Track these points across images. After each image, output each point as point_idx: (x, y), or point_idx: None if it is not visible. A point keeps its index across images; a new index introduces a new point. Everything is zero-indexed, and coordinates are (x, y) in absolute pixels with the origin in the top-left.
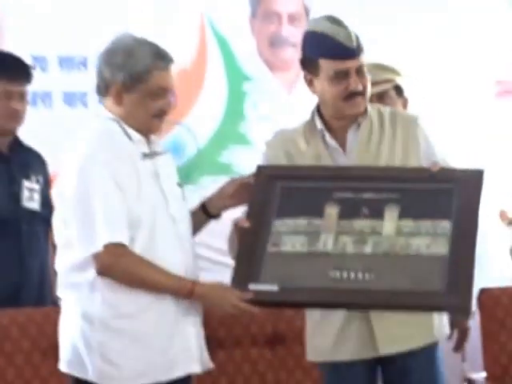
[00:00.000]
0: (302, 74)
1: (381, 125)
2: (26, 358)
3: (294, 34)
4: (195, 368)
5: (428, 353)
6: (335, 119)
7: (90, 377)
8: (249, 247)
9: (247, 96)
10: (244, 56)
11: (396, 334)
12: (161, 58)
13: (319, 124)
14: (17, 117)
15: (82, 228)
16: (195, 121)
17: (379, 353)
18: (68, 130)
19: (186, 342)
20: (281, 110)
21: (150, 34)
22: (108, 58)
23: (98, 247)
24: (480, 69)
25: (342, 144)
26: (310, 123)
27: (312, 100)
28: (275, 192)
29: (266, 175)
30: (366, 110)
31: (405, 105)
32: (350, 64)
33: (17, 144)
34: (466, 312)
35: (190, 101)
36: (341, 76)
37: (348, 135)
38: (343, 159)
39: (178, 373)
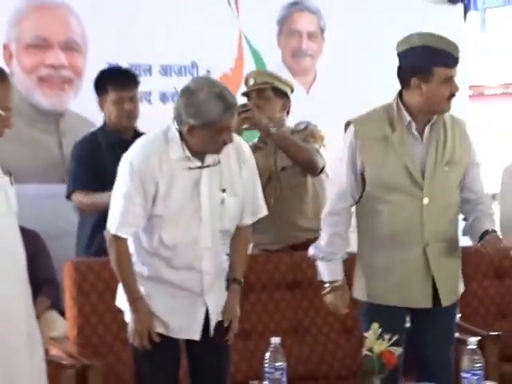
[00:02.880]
0: (317, 77)
1: (444, 120)
2: (100, 297)
3: (312, 48)
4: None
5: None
6: (424, 114)
7: None
8: None
9: None
10: (272, 64)
11: (452, 289)
12: (228, 109)
13: (408, 116)
14: (130, 116)
15: (110, 212)
16: None
17: (442, 305)
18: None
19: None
20: (301, 105)
21: (202, 48)
22: (185, 104)
23: (109, 231)
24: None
25: (420, 134)
26: (394, 113)
27: (324, 98)
28: None
29: None
30: None
31: (284, 106)
32: (454, 72)
33: (137, 134)
34: None
35: None
36: (449, 81)
37: (426, 128)
38: (420, 147)
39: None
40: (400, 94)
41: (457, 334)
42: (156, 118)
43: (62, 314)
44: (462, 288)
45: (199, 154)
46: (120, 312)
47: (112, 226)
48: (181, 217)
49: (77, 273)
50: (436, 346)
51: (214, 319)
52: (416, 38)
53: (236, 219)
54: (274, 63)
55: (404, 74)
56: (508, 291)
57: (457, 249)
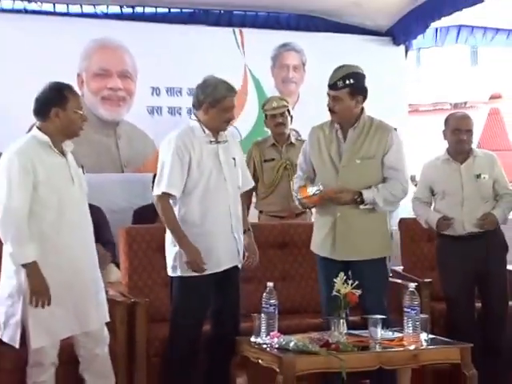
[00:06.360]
0: (299, 98)
1: (368, 127)
2: (144, 253)
3: (296, 77)
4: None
5: (380, 262)
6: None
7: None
8: None
9: None
10: (268, 88)
11: (352, 248)
12: (230, 90)
13: (336, 125)
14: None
15: (157, 180)
16: (240, 123)
17: (340, 258)
18: (171, 128)
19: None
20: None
21: (218, 76)
22: (202, 88)
23: (159, 192)
24: (397, 95)
25: (344, 137)
26: (329, 124)
27: (305, 114)
28: None
29: None
30: (356, 120)
31: (291, 119)
32: (331, 92)
33: None
34: None
35: (237, 112)
36: (329, 98)
37: (349, 132)
38: (343, 145)
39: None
40: None
41: (400, 281)
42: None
43: (118, 265)
44: (380, 251)
45: (214, 134)
46: (164, 269)
47: (161, 187)
48: (211, 178)
49: (128, 236)
50: (369, 291)
51: (241, 250)
52: None
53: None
54: (269, 88)
55: None
56: None
57: (362, 221)
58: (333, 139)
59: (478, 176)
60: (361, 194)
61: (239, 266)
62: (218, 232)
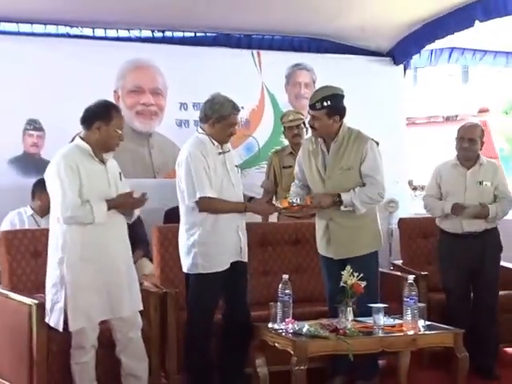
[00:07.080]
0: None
1: (347, 140)
2: (174, 249)
3: (307, 93)
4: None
5: (371, 256)
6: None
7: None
8: None
9: None
10: (282, 103)
11: (343, 247)
12: (235, 109)
13: (320, 139)
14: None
15: (187, 188)
16: (259, 134)
17: (335, 257)
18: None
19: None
20: None
21: (238, 92)
22: (211, 104)
23: (197, 198)
24: (396, 110)
25: (328, 150)
26: (315, 137)
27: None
28: None
29: None
30: (336, 134)
31: (306, 131)
32: (311, 112)
33: None
34: None
35: (256, 124)
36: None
37: (331, 145)
38: (327, 157)
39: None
40: None
41: (400, 273)
42: None
43: (151, 260)
44: (370, 246)
45: (220, 145)
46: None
47: (199, 193)
48: (223, 185)
49: (160, 234)
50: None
51: (243, 247)
52: None
53: None
54: (283, 103)
55: None
56: (433, 247)
57: (352, 222)
58: (318, 152)
59: (481, 183)
60: (339, 196)
61: (242, 260)
62: (228, 232)
